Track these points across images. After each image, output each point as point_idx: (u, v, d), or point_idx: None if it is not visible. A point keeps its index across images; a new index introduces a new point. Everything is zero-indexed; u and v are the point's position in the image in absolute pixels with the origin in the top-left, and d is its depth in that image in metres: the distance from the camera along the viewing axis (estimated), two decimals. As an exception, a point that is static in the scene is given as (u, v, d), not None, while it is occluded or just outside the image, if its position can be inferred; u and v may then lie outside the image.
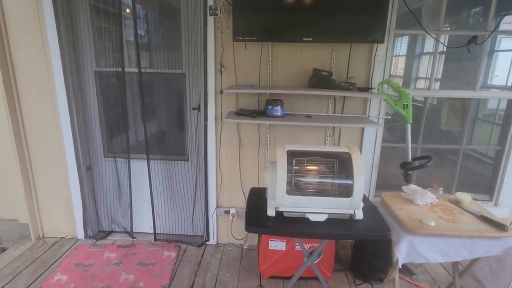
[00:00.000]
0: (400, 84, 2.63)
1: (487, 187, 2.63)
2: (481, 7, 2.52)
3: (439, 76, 2.55)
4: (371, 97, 2.28)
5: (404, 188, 1.92)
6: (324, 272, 2.25)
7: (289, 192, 1.54)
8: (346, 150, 1.60)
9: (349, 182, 1.53)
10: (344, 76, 2.32)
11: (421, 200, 1.77)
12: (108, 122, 2.62)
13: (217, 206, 2.65)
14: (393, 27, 2.22)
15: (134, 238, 2.80)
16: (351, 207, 1.56)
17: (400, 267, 1.62)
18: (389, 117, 2.44)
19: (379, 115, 2.39)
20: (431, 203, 1.79)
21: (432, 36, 2.24)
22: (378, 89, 2.25)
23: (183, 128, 2.59)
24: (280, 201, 1.56)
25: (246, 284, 2.28)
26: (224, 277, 2.35)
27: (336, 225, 1.57)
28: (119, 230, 2.84)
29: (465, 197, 1.81)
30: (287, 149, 1.59)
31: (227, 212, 2.63)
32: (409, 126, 2.18)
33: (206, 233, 2.71)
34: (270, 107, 2.21)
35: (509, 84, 2.55)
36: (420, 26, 2.17)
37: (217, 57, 2.32)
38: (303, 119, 2.24)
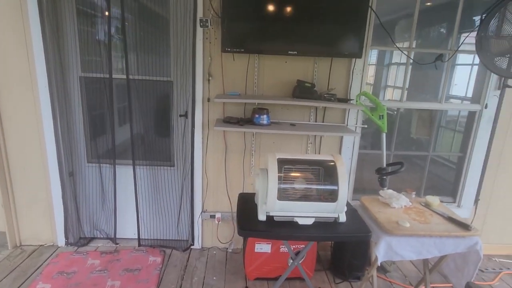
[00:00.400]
0: (371, 91, 2.82)
1: (450, 190, 2.89)
2: (446, 24, 2.80)
3: (407, 86, 2.79)
4: (350, 108, 2.45)
5: (381, 192, 2.09)
6: (306, 272, 2.38)
7: (280, 197, 1.65)
8: (331, 158, 1.73)
9: (334, 187, 1.65)
10: (325, 87, 2.47)
11: (396, 204, 1.94)
12: (92, 128, 2.60)
13: (203, 211, 2.71)
14: (370, 43, 2.41)
15: (117, 244, 2.78)
16: (336, 211, 1.69)
17: (379, 265, 1.77)
18: (366, 126, 2.62)
19: (356, 124, 2.57)
20: (405, 206, 1.97)
21: (404, 53, 2.46)
22: (357, 101, 2.42)
23: (170, 134, 2.63)
24: (271, 206, 1.66)
25: (233, 286, 2.36)
26: (211, 280, 2.41)
27: (323, 228, 1.69)
28: (101, 236, 2.81)
29: (434, 200, 2.01)
30: (277, 157, 1.70)
31: (213, 216, 2.70)
32: (384, 135, 2.37)
33: (191, 238, 2.76)
34: (256, 115, 2.31)
35: (468, 95, 2.83)
36: (394, 45, 2.37)
37: (205, 66, 2.39)
38: (288, 128, 2.36)
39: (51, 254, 2.60)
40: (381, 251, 1.72)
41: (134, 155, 2.56)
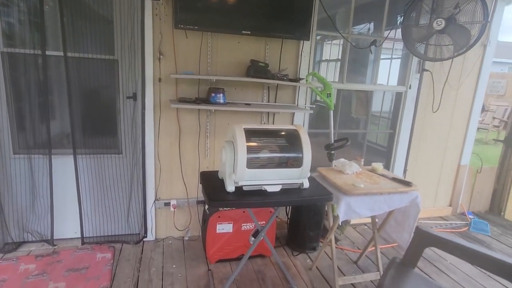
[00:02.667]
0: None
1: (386, 158, 3.24)
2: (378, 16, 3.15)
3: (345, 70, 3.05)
4: (302, 86, 2.59)
5: (334, 162, 2.26)
6: (267, 249, 2.42)
7: (248, 166, 1.66)
8: (294, 128, 1.81)
9: (299, 154, 1.74)
10: (276, 68, 2.56)
11: (349, 170, 2.12)
12: (20, 114, 2.26)
13: (156, 199, 2.56)
14: (315, 28, 2.58)
15: (55, 246, 2.46)
16: (301, 176, 1.77)
17: (340, 223, 1.91)
18: (314, 106, 2.80)
19: (305, 104, 2.73)
20: (356, 172, 2.16)
21: (344, 38, 2.69)
22: (307, 80, 2.57)
23: (116, 118, 2.43)
24: (241, 175, 1.67)
25: (195, 272, 2.29)
26: (170, 269, 2.30)
27: (289, 194, 1.76)
28: (34, 239, 2.45)
29: (379, 166, 2.25)
30: (243, 127, 1.71)
31: (167, 204, 2.57)
32: (331, 112, 2.55)
33: (144, 229, 2.58)
34: (213, 94, 2.29)
35: (390, 83, 3.22)
36: (336, 30, 2.59)
37: (155, 44, 2.27)
38: (244, 106, 2.40)
39: (-31, 265, 2.17)
40: (341, 211, 1.86)
41: (75, 143, 2.30)
